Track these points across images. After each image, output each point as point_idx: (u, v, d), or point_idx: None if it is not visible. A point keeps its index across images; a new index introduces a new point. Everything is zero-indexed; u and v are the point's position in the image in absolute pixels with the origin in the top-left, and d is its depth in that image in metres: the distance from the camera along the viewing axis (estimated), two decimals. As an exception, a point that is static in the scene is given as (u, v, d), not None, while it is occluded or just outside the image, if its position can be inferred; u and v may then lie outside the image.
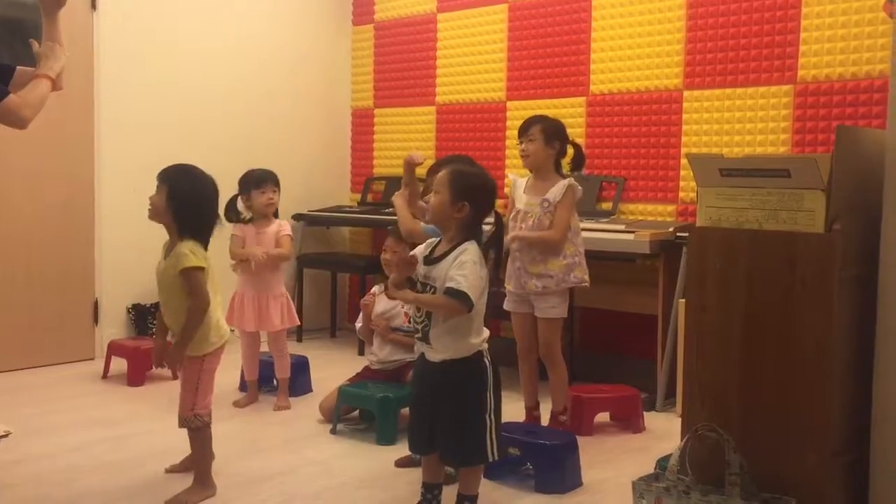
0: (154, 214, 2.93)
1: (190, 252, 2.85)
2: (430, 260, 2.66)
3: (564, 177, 3.62)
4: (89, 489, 3.01)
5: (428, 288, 2.63)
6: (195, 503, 2.89)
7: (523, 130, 3.63)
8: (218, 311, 2.98)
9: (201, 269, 2.87)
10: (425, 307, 2.63)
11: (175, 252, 2.88)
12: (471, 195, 2.63)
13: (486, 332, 2.69)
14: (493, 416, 2.64)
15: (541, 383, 3.77)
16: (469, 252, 2.59)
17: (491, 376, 2.65)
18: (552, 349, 3.64)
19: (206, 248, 2.93)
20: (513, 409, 3.86)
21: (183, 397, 2.94)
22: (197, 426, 2.94)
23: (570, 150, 3.69)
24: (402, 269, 2.64)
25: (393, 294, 2.67)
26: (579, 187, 3.60)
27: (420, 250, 2.74)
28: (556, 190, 3.55)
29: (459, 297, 2.52)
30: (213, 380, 3.00)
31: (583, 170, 3.76)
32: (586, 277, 3.62)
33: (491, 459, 2.66)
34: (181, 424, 2.96)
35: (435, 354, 2.64)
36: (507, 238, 3.45)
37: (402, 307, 3.78)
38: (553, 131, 3.61)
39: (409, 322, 3.40)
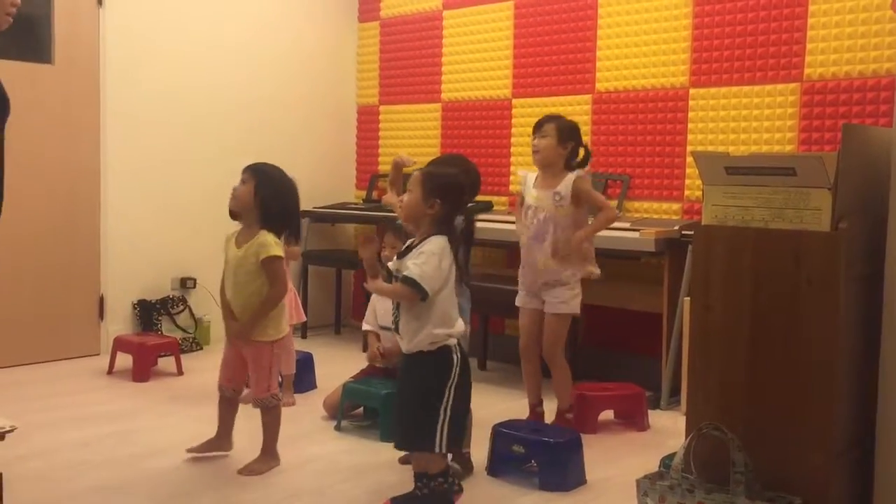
0: (237, 205, 3.12)
1: (274, 243, 3.10)
2: (401, 254, 2.74)
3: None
4: (94, 484, 3.02)
5: (396, 280, 2.70)
6: (264, 472, 3.14)
7: (538, 127, 3.64)
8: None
9: (282, 258, 3.12)
10: (381, 294, 2.81)
11: (258, 241, 3.08)
12: (442, 192, 2.69)
13: (458, 326, 2.73)
14: (448, 410, 2.66)
15: (544, 380, 3.77)
16: (431, 244, 2.65)
17: (457, 371, 2.68)
18: (555, 347, 3.63)
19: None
20: (517, 407, 3.87)
21: (257, 381, 3.17)
22: (273, 405, 3.19)
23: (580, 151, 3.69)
24: (364, 249, 2.67)
25: (366, 285, 2.74)
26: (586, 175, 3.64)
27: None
28: (567, 182, 3.56)
29: (408, 284, 2.60)
30: None
31: (587, 168, 3.77)
32: (596, 270, 3.63)
33: (438, 451, 2.68)
34: (256, 405, 3.20)
35: (404, 344, 2.72)
36: (573, 240, 3.51)
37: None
38: (568, 131, 3.62)
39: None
